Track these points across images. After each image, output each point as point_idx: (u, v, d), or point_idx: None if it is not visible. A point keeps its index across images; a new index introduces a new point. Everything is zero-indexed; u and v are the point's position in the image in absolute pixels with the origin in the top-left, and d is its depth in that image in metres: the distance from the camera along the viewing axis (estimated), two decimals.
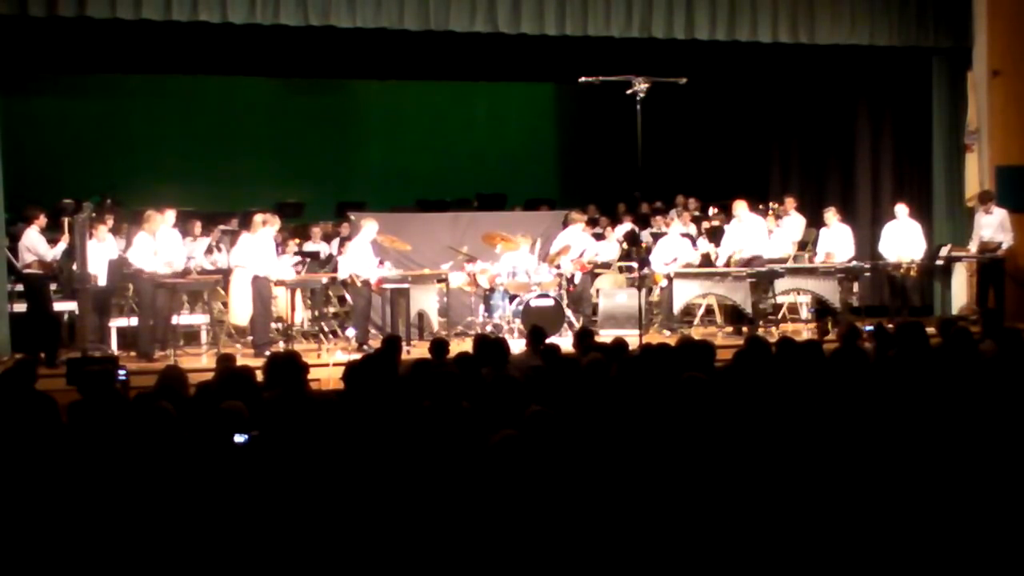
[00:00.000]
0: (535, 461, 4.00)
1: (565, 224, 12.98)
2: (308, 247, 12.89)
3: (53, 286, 10.53)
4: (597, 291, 12.27)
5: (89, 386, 5.82)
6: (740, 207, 11.73)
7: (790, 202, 13.12)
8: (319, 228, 13.34)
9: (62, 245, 10.08)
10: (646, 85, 9.41)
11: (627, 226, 12.45)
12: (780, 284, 11.38)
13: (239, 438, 4.54)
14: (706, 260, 12.06)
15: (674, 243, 12.13)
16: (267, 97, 15.90)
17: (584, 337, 7.83)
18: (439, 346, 7.34)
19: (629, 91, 9.46)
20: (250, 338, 10.55)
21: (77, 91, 15.09)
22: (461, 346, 8.65)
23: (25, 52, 12.15)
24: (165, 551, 3.76)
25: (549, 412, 4.50)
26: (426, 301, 11.08)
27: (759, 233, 11.75)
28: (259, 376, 6.21)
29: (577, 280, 11.77)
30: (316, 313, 11.80)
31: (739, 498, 4.03)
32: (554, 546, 3.64)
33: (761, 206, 12.90)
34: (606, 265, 12.60)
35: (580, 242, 11.96)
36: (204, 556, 3.74)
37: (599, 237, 12.99)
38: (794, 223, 12.89)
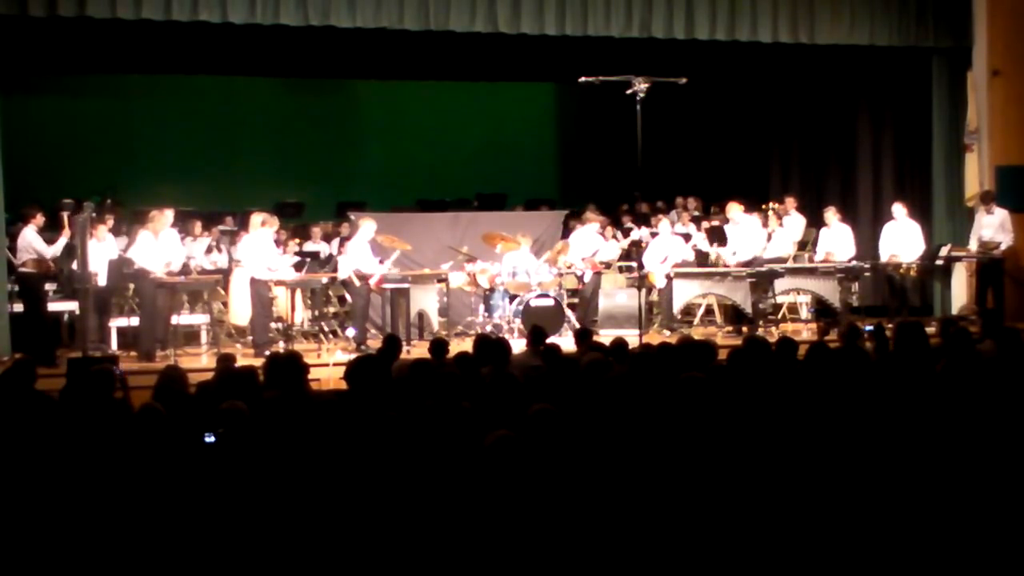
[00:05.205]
0: (530, 461, 4.01)
1: (568, 223, 13.01)
2: (308, 247, 12.89)
3: (52, 286, 10.55)
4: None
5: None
6: (733, 210, 11.75)
7: (790, 202, 13.11)
8: (319, 228, 13.35)
9: (63, 240, 10.07)
10: (646, 85, 9.40)
11: (643, 232, 12.41)
12: (780, 284, 11.37)
13: (208, 438, 4.55)
14: (706, 260, 12.06)
15: (666, 243, 12.13)
16: (267, 97, 15.90)
17: (584, 337, 7.84)
18: (439, 346, 7.34)
19: (629, 91, 9.45)
20: (250, 338, 10.55)
21: (77, 91, 15.09)
22: (461, 346, 8.65)
23: (25, 52, 12.16)
24: (164, 551, 3.76)
25: (554, 410, 4.50)
26: (426, 301, 11.08)
27: (756, 234, 11.76)
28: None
29: (587, 279, 11.78)
30: (316, 313, 11.79)
31: (739, 498, 4.03)
32: (554, 546, 3.64)
33: (764, 206, 12.90)
34: (606, 265, 12.61)
35: (592, 242, 11.98)
36: (205, 557, 3.74)
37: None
38: (794, 223, 12.89)
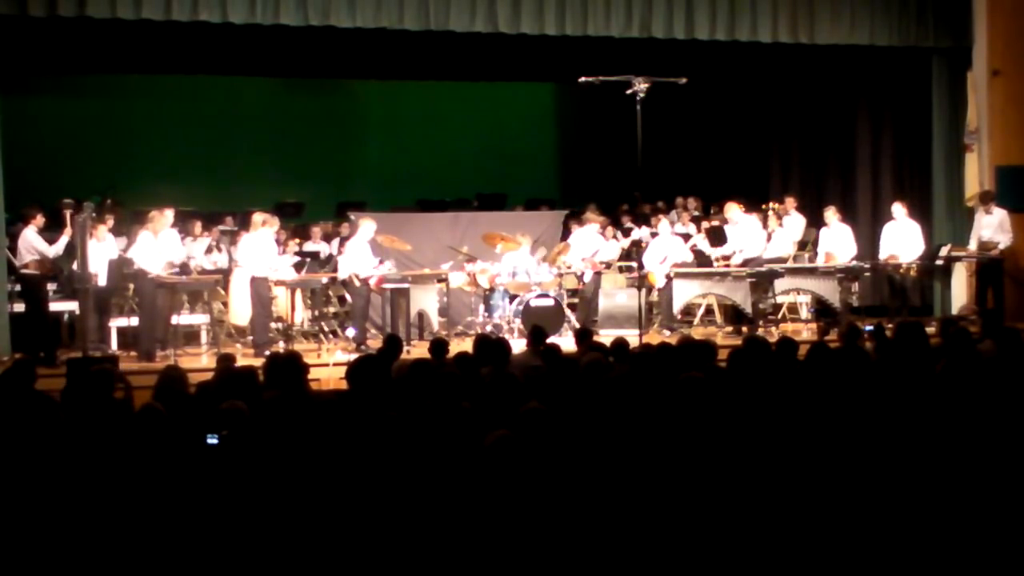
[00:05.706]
0: (530, 461, 4.01)
1: (568, 223, 13.01)
2: (308, 247, 12.90)
3: (53, 286, 10.55)
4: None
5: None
6: (732, 210, 11.77)
7: (790, 202, 13.12)
8: (319, 228, 13.35)
9: (64, 239, 10.06)
10: (646, 85, 9.40)
11: (643, 232, 12.41)
12: (780, 284, 11.37)
13: (211, 439, 4.56)
14: (705, 260, 12.06)
15: (665, 243, 12.13)
16: (267, 97, 15.90)
17: (584, 337, 7.84)
18: (439, 346, 7.34)
19: (629, 91, 9.45)
20: (250, 338, 10.55)
21: (77, 91, 15.09)
22: (461, 346, 8.65)
23: (25, 52, 12.16)
24: (165, 551, 3.76)
25: (544, 410, 4.50)
26: (426, 301, 11.08)
27: (756, 234, 11.77)
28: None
29: (587, 279, 11.79)
30: (316, 313, 11.80)
31: (739, 498, 4.03)
32: (554, 545, 3.64)
33: (764, 206, 12.91)
34: (606, 265, 12.61)
35: (592, 242, 11.99)
36: (206, 556, 3.75)
37: None
38: (794, 223, 12.89)
